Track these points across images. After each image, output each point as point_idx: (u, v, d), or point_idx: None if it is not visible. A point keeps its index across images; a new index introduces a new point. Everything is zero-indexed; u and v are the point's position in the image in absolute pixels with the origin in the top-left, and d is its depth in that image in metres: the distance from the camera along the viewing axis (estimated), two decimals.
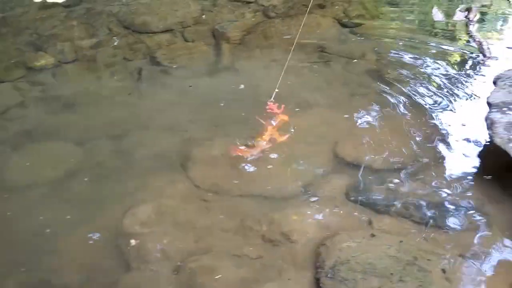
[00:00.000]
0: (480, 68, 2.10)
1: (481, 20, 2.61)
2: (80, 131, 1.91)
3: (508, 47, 2.24)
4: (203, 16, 2.99)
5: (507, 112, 1.38)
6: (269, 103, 1.82)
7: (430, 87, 1.99)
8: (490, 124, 1.36)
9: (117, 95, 2.20)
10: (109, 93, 2.23)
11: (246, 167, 1.59)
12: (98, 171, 1.69)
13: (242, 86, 2.06)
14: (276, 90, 1.89)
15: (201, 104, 2.06)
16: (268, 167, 1.60)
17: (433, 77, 2.07)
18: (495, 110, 1.40)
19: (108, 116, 2.04)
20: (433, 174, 1.49)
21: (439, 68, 2.15)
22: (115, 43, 2.69)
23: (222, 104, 2.01)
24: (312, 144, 1.71)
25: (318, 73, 2.22)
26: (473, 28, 2.38)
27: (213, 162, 1.66)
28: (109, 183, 1.65)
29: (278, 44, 2.53)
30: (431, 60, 2.22)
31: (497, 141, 1.29)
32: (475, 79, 1.99)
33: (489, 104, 1.45)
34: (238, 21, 2.88)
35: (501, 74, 1.62)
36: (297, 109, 1.91)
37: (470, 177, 1.45)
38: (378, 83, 2.08)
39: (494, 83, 1.57)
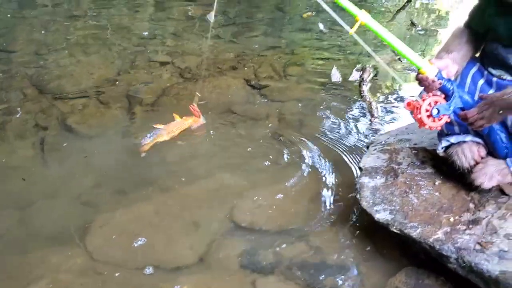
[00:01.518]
0: (365, 129, 2.31)
1: (374, 80, 2.89)
2: None
3: (392, 107, 2.51)
4: (119, 79, 3.08)
5: (374, 176, 1.55)
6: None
7: (322, 149, 2.16)
8: (359, 188, 1.51)
9: (26, 163, 2.19)
10: (17, 162, 2.22)
11: (143, 237, 1.64)
12: None
13: (136, 158, 2.12)
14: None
15: (109, 171, 2.10)
16: (165, 235, 1.66)
17: (325, 138, 2.26)
18: (364, 174, 1.57)
19: (15, 186, 2.02)
20: (319, 235, 1.62)
21: (334, 129, 2.35)
22: (27, 109, 2.68)
23: (129, 172, 2.07)
24: (210, 209, 1.80)
25: (224, 135, 2.34)
26: (366, 88, 2.62)
27: (112, 233, 1.70)
28: (8, 257, 1.64)
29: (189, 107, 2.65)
30: (327, 122, 2.42)
31: (363, 204, 1.44)
32: (360, 140, 2.19)
33: (360, 168, 1.62)
34: (153, 83, 2.99)
35: (374, 139, 1.81)
36: (197, 173, 2.01)
37: (347, 237, 1.59)
38: (278, 145, 2.24)
39: (367, 147, 1.76)
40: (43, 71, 3.16)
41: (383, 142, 1.72)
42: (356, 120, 2.42)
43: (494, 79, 1.34)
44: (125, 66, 3.30)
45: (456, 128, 1.43)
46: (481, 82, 1.38)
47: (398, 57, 3.16)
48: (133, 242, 1.63)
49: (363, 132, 2.28)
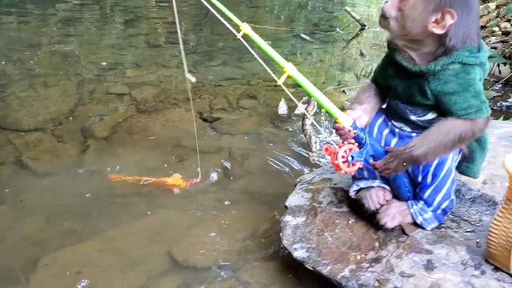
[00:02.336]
0: (303, 165, 2.47)
1: (317, 113, 3.07)
2: None
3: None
4: (76, 112, 3.17)
5: (296, 215, 1.69)
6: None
7: (262, 185, 2.30)
8: (282, 227, 1.65)
9: None
10: None
11: (85, 278, 1.73)
12: None
13: (88, 195, 2.22)
14: None
15: (59, 208, 2.18)
16: (105, 275, 1.76)
17: (265, 174, 2.40)
18: (288, 213, 1.71)
19: None
20: (248, 271, 1.74)
21: (275, 164, 2.50)
22: None
23: (79, 210, 2.16)
24: (151, 247, 1.90)
25: (172, 171, 2.45)
26: (308, 121, 2.79)
27: (57, 272, 1.79)
28: None
29: (141, 141, 2.76)
30: (270, 157, 2.57)
31: (284, 242, 1.58)
32: (298, 175, 2.34)
33: (285, 207, 1.77)
34: (108, 115, 3.10)
35: (302, 177, 1.96)
36: (141, 211, 2.11)
37: (275, 272, 1.72)
38: (227, 181, 2.36)
39: (295, 185, 1.91)
40: (1, 104, 3.22)
41: (308, 181, 1.87)
42: (297, 155, 2.57)
43: (397, 130, 1.50)
44: (84, 98, 3.40)
45: (366, 173, 1.58)
46: (386, 132, 1.54)
47: (343, 89, 3.36)
48: (75, 283, 1.71)
49: (301, 168, 2.43)
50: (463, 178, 1.67)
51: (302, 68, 4.06)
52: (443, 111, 1.38)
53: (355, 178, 1.62)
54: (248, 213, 2.09)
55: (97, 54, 4.45)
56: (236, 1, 7.16)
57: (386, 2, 1.34)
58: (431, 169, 1.43)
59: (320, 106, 2.93)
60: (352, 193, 1.61)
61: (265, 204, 2.14)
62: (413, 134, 1.46)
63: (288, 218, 1.69)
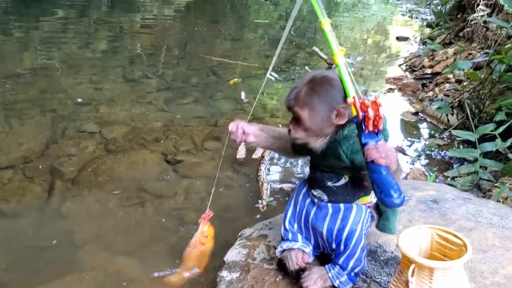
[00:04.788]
0: (253, 214, 2.66)
1: (273, 158, 3.29)
2: None
3: (282, 190, 2.88)
4: (48, 150, 3.33)
5: (232, 270, 1.88)
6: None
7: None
8: (218, 281, 1.84)
9: None
10: None
11: None
12: None
13: (55, 242, 2.37)
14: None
15: (21, 252, 2.33)
16: None
17: (218, 221, 2.57)
18: (225, 268, 1.90)
19: None
20: None
21: (227, 212, 2.68)
22: None
23: (40, 254, 2.30)
24: None
25: (131, 216, 2.62)
26: (263, 167, 2.99)
27: None
28: None
29: (106, 183, 2.93)
30: (224, 203, 2.76)
31: None
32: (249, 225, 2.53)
33: (224, 262, 1.95)
34: (77, 155, 3.26)
35: (242, 232, 2.16)
36: (99, 256, 2.28)
37: None
38: (179, 227, 2.54)
39: (236, 239, 2.10)
40: None
41: (247, 236, 2.06)
42: (248, 202, 2.77)
43: (316, 199, 1.71)
44: (56, 136, 3.56)
45: (290, 235, 1.78)
46: (308, 201, 1.75)
47: None
48: None
49: (249, 216, 2.62)
50: (380, 240, 1.89)
51: (268, 110, 4.29)
52: (357, 171, 1.58)
53: (282, 239, 1.82)
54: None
55: (73, 87, 4.63)
56: (214, 34, 7.42)
57: (289, 130, 1.55)
58: (343, 239, 1.64)
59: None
60: (277, 253, 1.81)
61: (214, 255, 2.31)
62: (329, 205, 1.67)
63: (224, 273, 1.88)
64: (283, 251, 1.79)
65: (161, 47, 6.48)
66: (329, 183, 1.66)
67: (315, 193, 1.72)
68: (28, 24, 7.21)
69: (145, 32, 7.33)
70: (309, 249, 1.77)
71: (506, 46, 3.12)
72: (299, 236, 1.78)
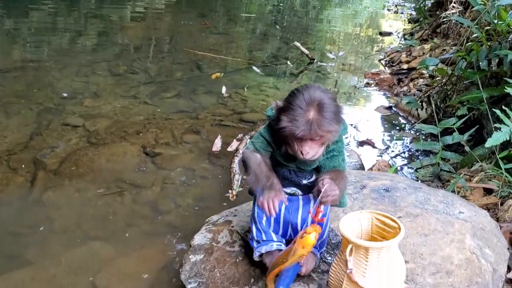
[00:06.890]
0: (223, 202, 2.82)
1: None
2: None
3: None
4: (32, 142, 3.47)
5: (197, 253, 2.04)
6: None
7: (186, 221, 2.65)
8: (184, 263, 2.00)
9: None
10: None
11: None
12: None
13: (35, 229, 2.52)
14: None
15: (1, 235, 2.48)
16: None
17: (191, 210, 2.75)
18: (191, 251, 2.06)
19: None
20: None
21: (201, 201, 2.85)
22: None
23: (21, 239, 2.46)
24: (75, 278, 2.21)
25: (109, 204, 2.78)
26: (236, 159, 3.14)
27: None
28: None
29: (86, 174, 3.08)
30: (199, 193, 2.92)
31: (182, 277, 1.92)
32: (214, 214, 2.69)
33: (190, 245, 2.12)
34: (60, 147, 3.41)
35: (209, 218, 2.30)
36: (70, 243, 2.43)
37: None
38: (154, 215, 2.70)
39: (203, 225, 2.26)
40: None
41: (213, 222, 2.23)
42: (220, 193, 2.93)
43: (286, 196, 1.79)
44: (41, 129, 3.69)
45: (264, 236, 1.87)
46: None
47: None
48: None
49: (220, 205, 2.78)
50: (333, 225, 2.05)
51: (248, 103, 4.44)
52: (323, 169, 1.76)
53: (256, 241, 1.88)
54: (168, 247, 2.44)
55: (60, 81, 4.75)
56: (201, 28, 7.53)
57: (307, 153, 1.60)
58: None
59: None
60: (256, 257, 1.88)
61: (184, 239, 2.48)
62: (300, 197, 1.83)
63: (189, 255, 2.05)
64: (261, 255, 1.87)
65: (147, 41, 6.59)
66: (304, 181, 1.81)
67: (288, 190, 1.82)
68: (17, 18, 7.29)
69: (133, 26, 7.43)
70: (283, 244, 1.87)
71: (467, 44, 3.28)
72: (273, 234, 1.87)
